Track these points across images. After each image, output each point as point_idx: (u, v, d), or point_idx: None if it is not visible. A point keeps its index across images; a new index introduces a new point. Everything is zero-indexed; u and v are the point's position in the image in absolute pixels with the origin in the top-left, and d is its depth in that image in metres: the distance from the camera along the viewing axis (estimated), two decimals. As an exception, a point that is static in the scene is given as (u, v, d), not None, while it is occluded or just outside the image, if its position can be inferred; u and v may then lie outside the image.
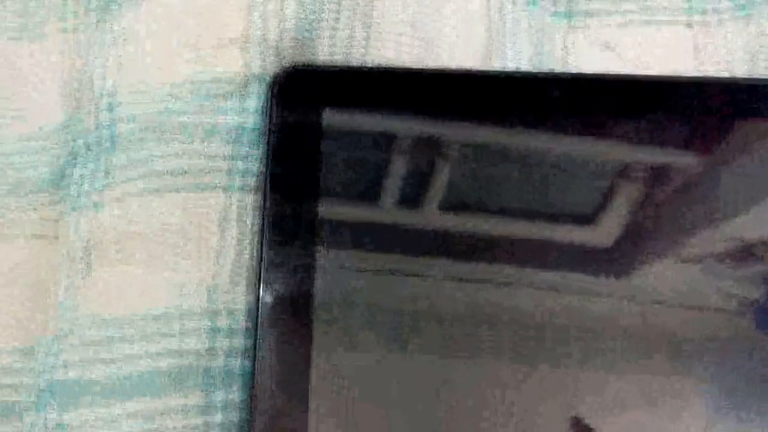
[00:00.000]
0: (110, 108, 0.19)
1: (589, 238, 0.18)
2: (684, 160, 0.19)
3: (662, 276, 0.18)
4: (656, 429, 0.17)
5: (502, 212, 0.18)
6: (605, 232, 0.18)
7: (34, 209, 0.19)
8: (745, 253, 0.18)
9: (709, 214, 0.18)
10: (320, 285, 0.17)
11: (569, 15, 0.21)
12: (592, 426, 0.16)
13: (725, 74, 0.20)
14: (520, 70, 0.20)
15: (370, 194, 0.18)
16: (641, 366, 0.17)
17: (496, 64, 0.20)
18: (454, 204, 0.18)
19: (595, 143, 0.19)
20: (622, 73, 0.20)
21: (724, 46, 0.20)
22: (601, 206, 0.18)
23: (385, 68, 0.19)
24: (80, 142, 0.19)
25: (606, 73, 0.20)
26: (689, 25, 0.21)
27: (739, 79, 0.20)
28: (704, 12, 0.20)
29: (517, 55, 0.20)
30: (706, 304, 0.17)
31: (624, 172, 0.19)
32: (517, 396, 0.17)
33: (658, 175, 0.19)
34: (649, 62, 0.20)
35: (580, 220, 0.18)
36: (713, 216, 0.18)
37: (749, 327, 0.17)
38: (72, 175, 0.19)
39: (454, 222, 0.18)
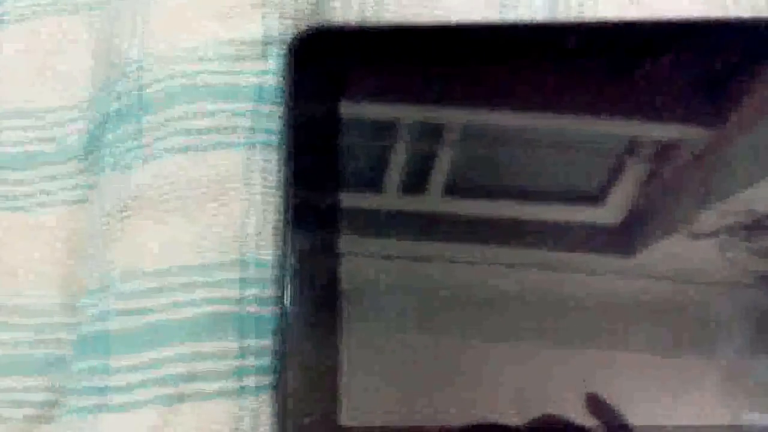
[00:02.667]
0: (138, 74, 0.19)
1: (602, 217, 0.18)
2: (693, 131, 0.18)
3: (675, 252, 0.17)
4: (672, 406, 0.16)
5: (534, 194, 0.18)
6: (616, 209, 0.18)
7: (72, 175, 0.20)
8: (759, 226, 0.18)
9: (721, 186, 0.18)
10: (346, 238, 0.18)
11: None
12: (608, 403, 0.16)
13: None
14: (538, 20, 0.20)
15: (390, 152, 0.19)
16: (656, 343, 0.17)
17: (509, 16, 0.20)
18: (464, 185, 0.18)
19: (601, 119, 0.19)
20: (640, 17, 0.20)
21: None
22: (610, 183, 0.18)
23: (402, 26, 0.20)
24: (111, 108, 0.20)
25: (627, 18, 0.20)
26: None
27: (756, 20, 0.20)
28: None
29: (532, 7, 0.20)
30: (719, 278, 0.17)
31: (631, 146, 0.18)
32: (532, 375, 0.17)
33: (666, 148, 0.18)
34: (668, 9, 0.20)
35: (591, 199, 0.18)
36: (725, 188, 0.18)
37: (763, 300, 0.17)
38: (104, 140, 0.20)
39: (476, 204, 0.18)
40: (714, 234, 0.17)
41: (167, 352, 0.17)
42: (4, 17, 0.22)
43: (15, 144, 0.21)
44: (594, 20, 0.20)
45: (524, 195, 0.18)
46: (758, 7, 0.20)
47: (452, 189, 0.18)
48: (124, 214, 0.18)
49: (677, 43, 0.19)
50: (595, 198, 0.18)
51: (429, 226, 0.18)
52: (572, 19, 0.20)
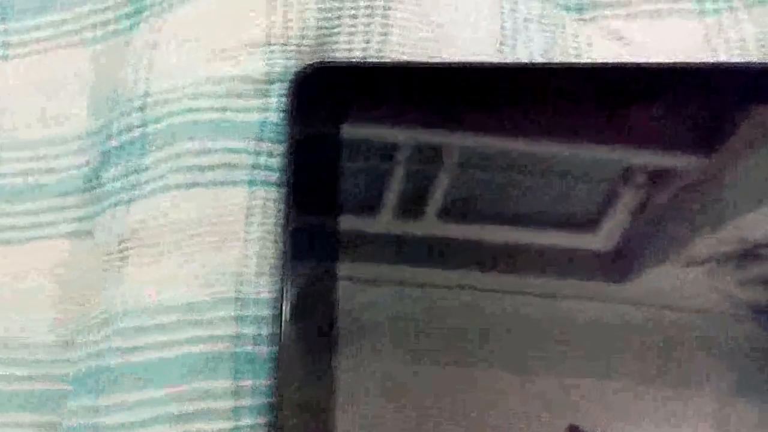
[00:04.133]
0: (141, 109, 0.19)
1: (595, 243, 0.18)
2: (686, 160, 0.19)
3: (667, 279, 0.17)
4: None
5: (531, 220, 0.18)
6: (609, 236, 0.18)
7: (71, 209, 0.20)
8: (751, 254, 0.18)
9: (713, 215, 0.18)
10: (343, 271, 0.18)
11: (580, 8, 0.21)
12: None
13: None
14: (538, 62, 0.20)
15: (391, 190, 0.19)
16: (646, 372, 0.17)
17: (508, 58, 0.20)
18: (466, 210, 0.19)
19: (596, 147, 0.19)
20: (633, 60, 0.20)
21: (736, 35, 0.20)
22: (604, 210, 0.18)
23: (404, 64, 0.20)
24: (113, 143, 0.20)
25: (620, 61, 0.20)
26: (701, 14, 0.21)
27: (743, 64, 0.20)
28: (715, 0, 0.21)
29: (530, 48, 0.20)
30: (710, 307, 0.17)
31: (625, 175, 0.19)
32: (523, 404, 0.17)
33: (659, 176, 0.19)
34: (660, 52, 0.21)
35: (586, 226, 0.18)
36: (717, 217, 0.18)
37: (756, 330, 0.17)
38: (105, 175, 0.20)
39: (478, 230, 0.18)
40: (706, 262, 0.18)
41: (163, 391, 0.17)
42: (8, 48, 0.22)
43: (15, 175, 0.21)
44: (591, 63, 0.21)
45: (519, 221, 0.18)
46: (748, 52, 0.21)
47: (449, 215, 0.18)
48: (124, 250, 0.18)
49: (671, 83, 0.20)
50: (589, 225, 0.18)
51: (428, 254, 0.18)
52: (568, 60, 0.21)
